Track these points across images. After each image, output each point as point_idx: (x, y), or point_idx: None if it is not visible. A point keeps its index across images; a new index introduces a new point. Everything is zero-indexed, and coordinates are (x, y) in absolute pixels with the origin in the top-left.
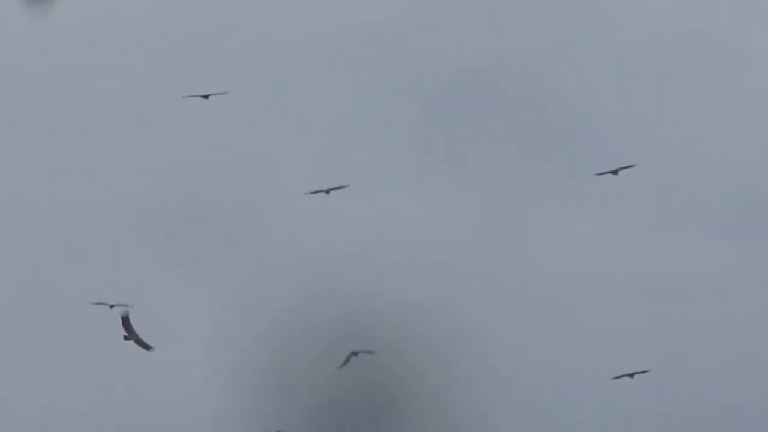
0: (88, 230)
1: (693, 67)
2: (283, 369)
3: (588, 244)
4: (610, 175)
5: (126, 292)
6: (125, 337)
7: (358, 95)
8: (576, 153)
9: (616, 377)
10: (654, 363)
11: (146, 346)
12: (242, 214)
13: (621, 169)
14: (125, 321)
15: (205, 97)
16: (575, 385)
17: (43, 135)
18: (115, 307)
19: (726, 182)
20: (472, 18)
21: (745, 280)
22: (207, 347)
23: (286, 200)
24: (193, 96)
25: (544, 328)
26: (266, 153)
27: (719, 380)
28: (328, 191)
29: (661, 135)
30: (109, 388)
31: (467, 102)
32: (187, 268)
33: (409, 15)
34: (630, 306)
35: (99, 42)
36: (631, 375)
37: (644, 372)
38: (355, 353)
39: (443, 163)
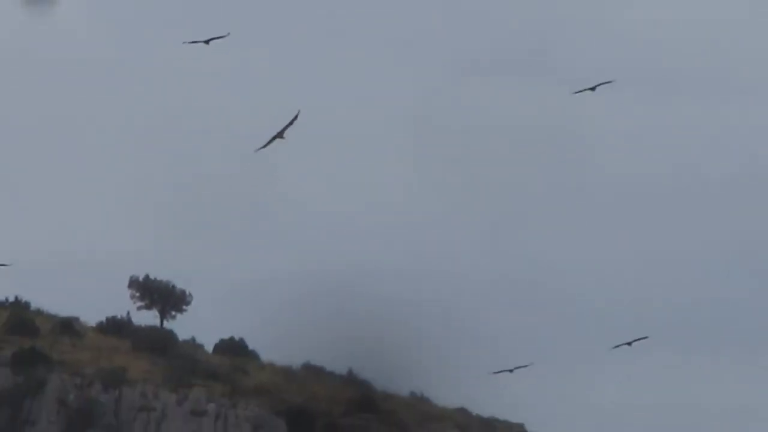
0: None
1: None
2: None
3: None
4: None
5: None
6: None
7: (359, 94)
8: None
9: (615, 346)
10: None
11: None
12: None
13: None
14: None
15: (207, 42)
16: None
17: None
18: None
19: None
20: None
21: None
22: None
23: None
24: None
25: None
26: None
27: None
28: (207, 41)
29: None
30: None
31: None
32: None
33: (410, 15)
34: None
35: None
36: (629, 343)
37: (643, 338)
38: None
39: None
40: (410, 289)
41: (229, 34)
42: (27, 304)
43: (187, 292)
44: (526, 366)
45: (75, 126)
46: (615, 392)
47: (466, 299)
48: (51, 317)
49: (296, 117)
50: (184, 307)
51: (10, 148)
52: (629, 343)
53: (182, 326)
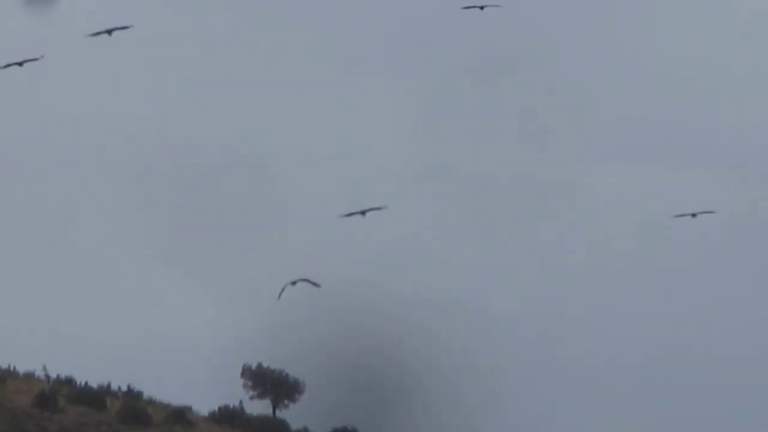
0: None
1: None
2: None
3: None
4: None
5: None
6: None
7: (359, 93)
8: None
9: (679, 215)
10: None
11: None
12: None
13: None
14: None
15: (109, 32)
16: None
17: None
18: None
19: None
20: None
21: None
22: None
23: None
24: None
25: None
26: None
27: None
28: (363, 213)
29: None
30: None
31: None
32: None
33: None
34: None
35: None
36: (694, 215)
37: (709, 212)
38: (293, 283)
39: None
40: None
41: (131, 26)
42: (140, 393)
43: (301, 381)
44: (379, 209)
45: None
46: None
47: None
48: (164, 406)
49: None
50: (297, 395)
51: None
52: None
53: (295, 416)
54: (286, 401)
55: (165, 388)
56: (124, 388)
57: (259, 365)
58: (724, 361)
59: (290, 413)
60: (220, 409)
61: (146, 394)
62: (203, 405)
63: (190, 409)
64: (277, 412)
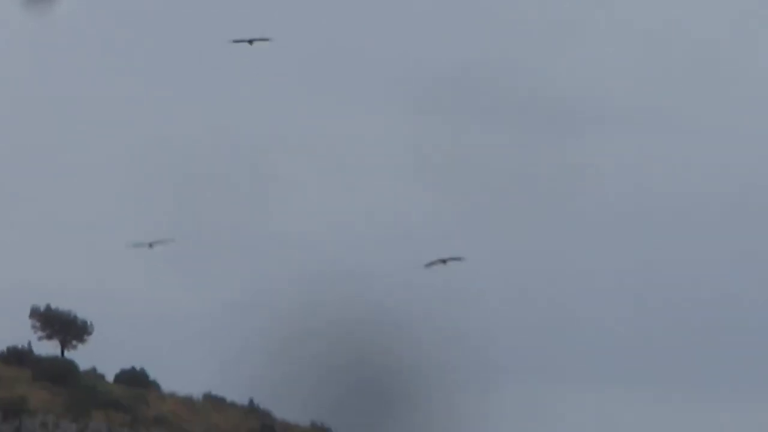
0: None
1: None
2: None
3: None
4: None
5: None
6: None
7: (359, 91)
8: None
9: (428, 264)
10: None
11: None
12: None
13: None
14: None
15: (250, 42)
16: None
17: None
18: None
19: None
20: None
21: None
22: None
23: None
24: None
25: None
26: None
27: None
28: (251, 41)
29: None
30: None
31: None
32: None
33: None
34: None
35: None
36: (444, 261)
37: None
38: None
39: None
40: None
41: (270, 39)
42: None
43: (89, 322)
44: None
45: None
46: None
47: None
48: None
49: None
50: (86, 336)
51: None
52: (444, 261)
53: (83, 356)
54: (74, 342)
55: None
56: None
57: (48, 306)
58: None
59: (78, 354)
60: (8, 348)
61: None
62: None
63: None
64: (66, 352)
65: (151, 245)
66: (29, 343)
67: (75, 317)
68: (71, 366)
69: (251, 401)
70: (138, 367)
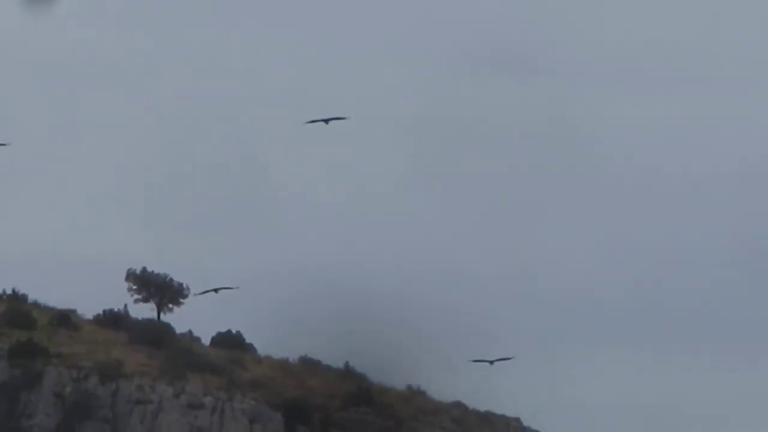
0: None
1: None
2: None
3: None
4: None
5: None
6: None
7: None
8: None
9: (475, 361)
10: None
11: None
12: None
13: None
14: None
15: (326, 121)
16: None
17: None
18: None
19: None
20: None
21: None
22: None
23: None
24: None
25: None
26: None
27: None
28: (326, 121)
29: None
30: None
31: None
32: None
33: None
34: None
35: None
36: (491, 362)
37: (507, 359)
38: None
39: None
40: (407, 285)
41: (348, 117)
42: (24, 297)
43: (185, 285)
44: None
45: (75, 123)
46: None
47: (464, 294)
48: (48, 310)
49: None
50: (182, 300)
51: (11, 145)
52: (491, 362)
53: (179, 319)
54: (170, 305)
55: (50, 291)
56: (9, 292)
57: (144, 269)
58: None
59: (174, 317)
60: (104, 312)
61: (31, 297)
62: (88, 308)
63: (74, 312)
64: (162, 315)
65: None
66: (125, 306)
67: (171, 280)
68: (167, 329)
69: (347, 364)
70: (234, 331)
